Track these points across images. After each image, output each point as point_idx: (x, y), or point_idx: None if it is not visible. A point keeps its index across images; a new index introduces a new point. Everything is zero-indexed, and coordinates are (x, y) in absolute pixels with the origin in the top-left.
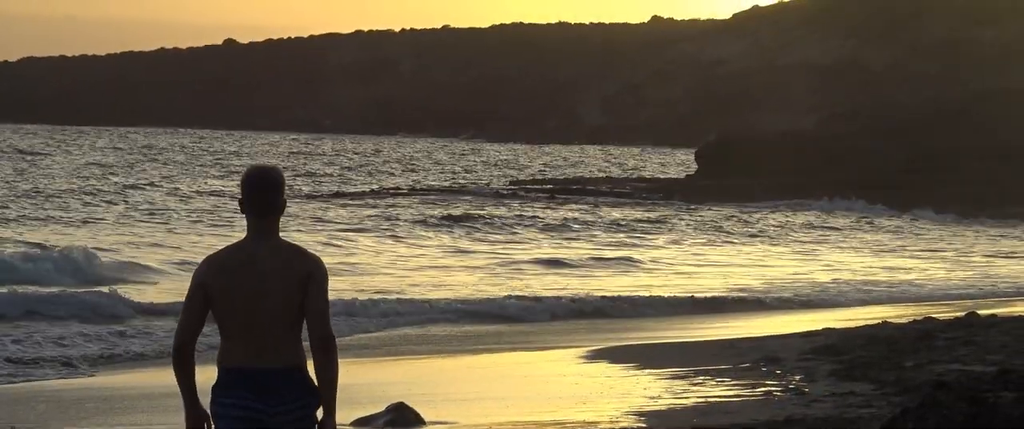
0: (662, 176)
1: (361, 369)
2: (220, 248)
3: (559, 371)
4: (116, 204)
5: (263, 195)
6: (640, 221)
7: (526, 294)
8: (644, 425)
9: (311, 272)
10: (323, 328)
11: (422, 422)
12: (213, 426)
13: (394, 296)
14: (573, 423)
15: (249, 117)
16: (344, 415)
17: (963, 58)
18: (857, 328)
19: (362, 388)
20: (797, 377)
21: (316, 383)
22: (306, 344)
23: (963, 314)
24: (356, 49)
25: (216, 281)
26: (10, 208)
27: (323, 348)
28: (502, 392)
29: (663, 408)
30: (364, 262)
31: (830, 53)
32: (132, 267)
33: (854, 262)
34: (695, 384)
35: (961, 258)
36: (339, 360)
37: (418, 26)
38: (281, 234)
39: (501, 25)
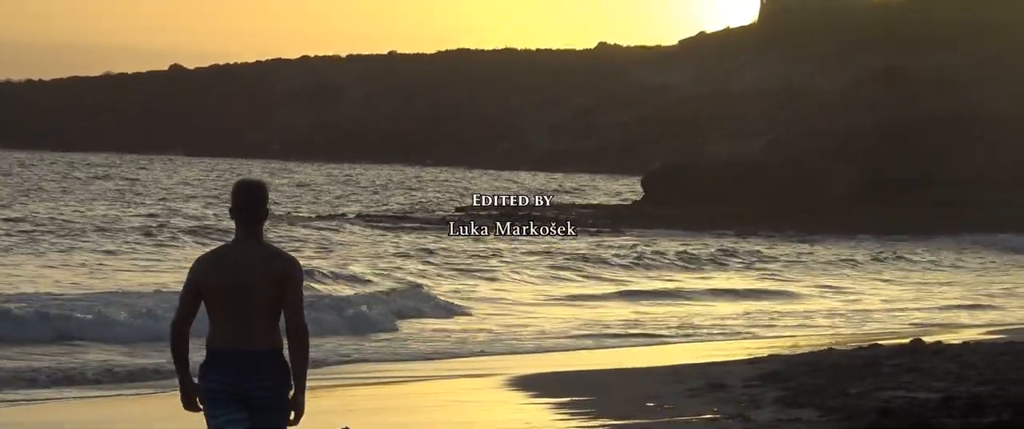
0: (611, 203)
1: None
2: (211, 248)
3: (502, 398)
4: None
5: (250, 205)
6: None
7: None
8: None
9: (288, 271)
10: (297, 319)
11: None
12: (201, 394)
13: None
14: None
15: (195, 142)
16: None
17: (913, 84)
18: (802, 354)
19: (306, 415)
20: (742, 404)
21: (291, 365)
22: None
23: (908, 341)
24: (302, 75)
25: (207, 276)
26: None
27: (297, 336)
28: (443, 419)
29: None
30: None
31: (778, 79)
32: None
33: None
34: (639, 411)
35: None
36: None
37: (364, 52)
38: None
39: (447, 51)
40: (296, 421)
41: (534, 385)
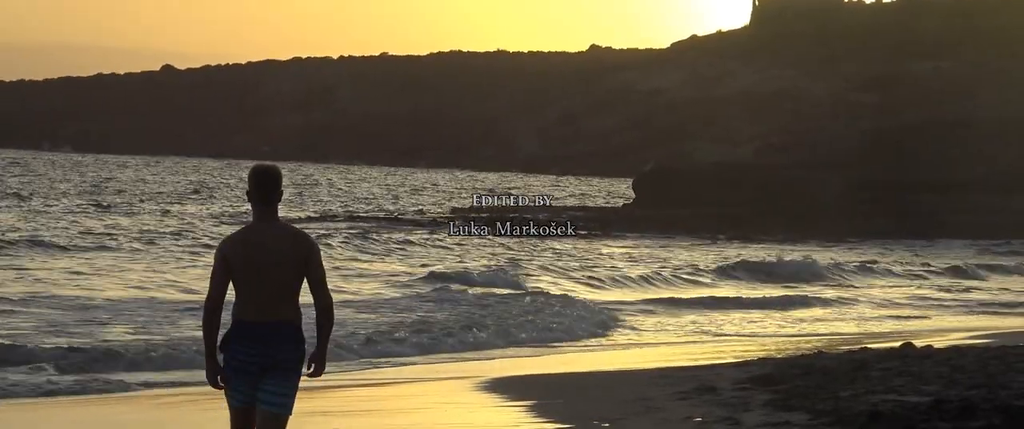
0: (602, 205)
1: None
2: (236, 230)
3: (486, 401)
4: None
5: (267, 187)
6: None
7: None
8: None
9: (311, 250)
10: (324, 295)
11: None
12: (225, 378)
13: None
14: None
15: (186, 143)
16: None
17: (904, 89)
18: (793, 358)
19: (300, 416)
20: (732, 406)
21: (316, 331)
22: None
23: (899, 345)
24: (294, 76)
25: (235, 254)
26: None
27: (325, 309)
28: (438, 420)
29: None
30: None
31: (768, 83)
32: None
33: None
34: (629, 414)
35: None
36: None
37: (356, 53)
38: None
39: (439, 53)
40: (317, 373)
41: (521, 387)
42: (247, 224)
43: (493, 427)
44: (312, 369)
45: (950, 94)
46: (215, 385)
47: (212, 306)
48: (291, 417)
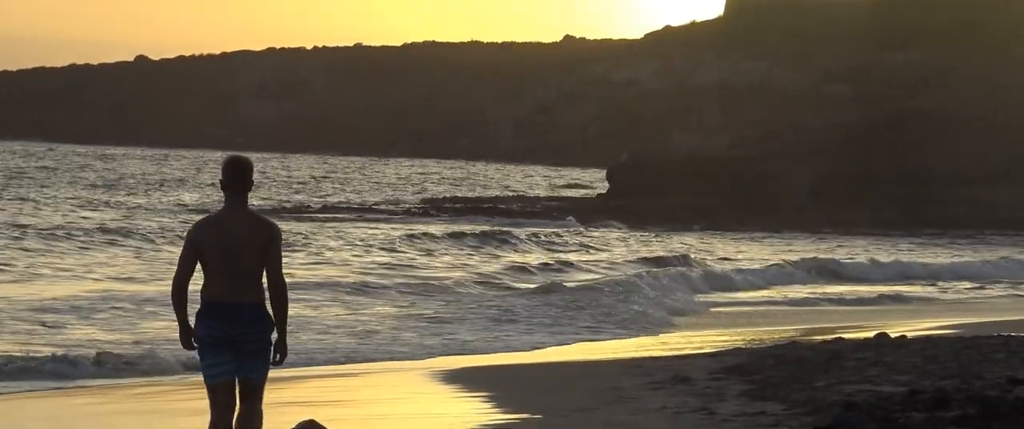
0: (575, 196)
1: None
2: (207, 215)
3: (450, 391)
4: None
5: (238, 176)
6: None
7: None
8: None
9: (273, 236)
10: (278, 275)
11: None
12: (195, 341)
13: None
14: None
15: (160, 134)
16: None
17: (878, 82)
18: (767, 348)
19: (268, 406)
20: (707, 396)
21: (272, 314)
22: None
23: (873, 335)
24: (268, 66)
25: (203, 238)
26: None
27: (278, 290)
28: (412, 410)
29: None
30: None
31: (742, 75)
32: None
33: None
34: (604, 404)
35: None
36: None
37: (330, 44)
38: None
39: (414, 43)
40: (280, 362)
41: (490, 377)
42: (217, 210)
43: (457, 416)
44: (276, 358)
45: (925, 86)
46: (188, 346)
47: (179, 284)
48: (269, 407)
